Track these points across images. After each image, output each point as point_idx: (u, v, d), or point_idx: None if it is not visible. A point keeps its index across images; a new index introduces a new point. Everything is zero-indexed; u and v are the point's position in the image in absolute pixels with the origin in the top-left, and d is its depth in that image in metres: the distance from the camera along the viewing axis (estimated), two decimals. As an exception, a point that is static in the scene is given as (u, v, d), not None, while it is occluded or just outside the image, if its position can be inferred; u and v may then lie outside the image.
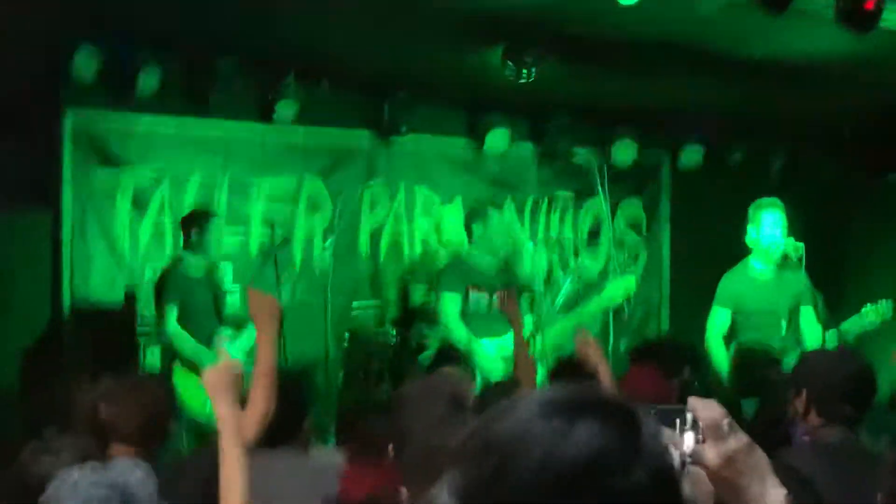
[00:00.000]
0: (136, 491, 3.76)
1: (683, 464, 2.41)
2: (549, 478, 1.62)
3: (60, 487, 3.74)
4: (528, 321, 9.54)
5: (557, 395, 1.73)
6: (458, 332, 9.88)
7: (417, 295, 11.25)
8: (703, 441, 2.42)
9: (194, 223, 10.17)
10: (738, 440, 2.43)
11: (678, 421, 2.42)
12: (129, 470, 3.82)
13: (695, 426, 2.42)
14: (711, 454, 2.41)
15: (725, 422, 2.42)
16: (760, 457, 2.46)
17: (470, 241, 10.44)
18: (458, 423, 3.99)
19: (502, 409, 1.72)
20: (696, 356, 8.74)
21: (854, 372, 5.57)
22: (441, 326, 10.20)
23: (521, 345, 6.71)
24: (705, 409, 2.44)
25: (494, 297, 7.09)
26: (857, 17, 8.53)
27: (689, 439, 2.42)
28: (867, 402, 5.56)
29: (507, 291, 6.76)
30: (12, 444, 5.27)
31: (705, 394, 6.52)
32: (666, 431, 2.39)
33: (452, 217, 11.78)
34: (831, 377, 5.53)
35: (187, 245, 10.24)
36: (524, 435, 1.65)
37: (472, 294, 7.25)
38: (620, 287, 10.45)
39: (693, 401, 2.45)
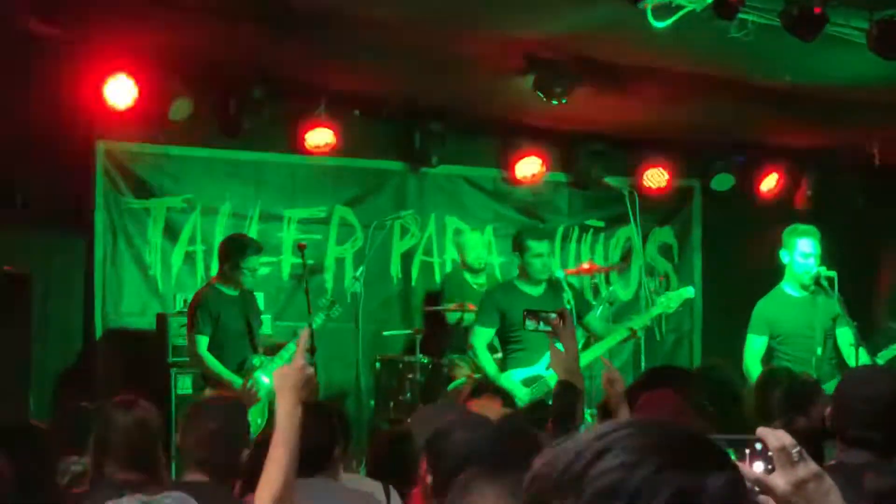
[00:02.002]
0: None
1: (756, 491, 2.44)
2: None
3: None
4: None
5: (658, 439, 1.73)
6: (487, 364, 9.94)
7: (452, 319, 11.24)
8: (773, 469, 2.43)
9: (231, 254, 10.02)
10: (808, 468, 2.45)
11: (746, 450, 2.45)
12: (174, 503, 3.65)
13: (763, 455, 2.44)
14: (783, 482, 2.43)
15: (795, 451, 2.44)
16: (830, 485, 2.47)
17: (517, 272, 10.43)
18: (497, 451, 3.99)
19: (605, 444, 1.72)
20: (713, 381, 8.54)
21: (871, 394, 5.08)
22: (472, 357, 10.25)
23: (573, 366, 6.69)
24: (776, 437, 2.45)
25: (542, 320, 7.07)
26: (889, 42, 8.52)
27: (758, 468, 2.45)
28: (893, 424, 5.01)
29: (561, 312, 6.72)
30: (44, 467, 5.30)
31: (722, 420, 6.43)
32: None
33: (479, 244, 11.75)
34: (852, 398, 5.11)
35: (221, 272, 10.10)
36: (655, 486, 1.66)
37: (529, 322, 7.22)
38: (677, 297, 10.41)
39: (762, 430, 2.48)
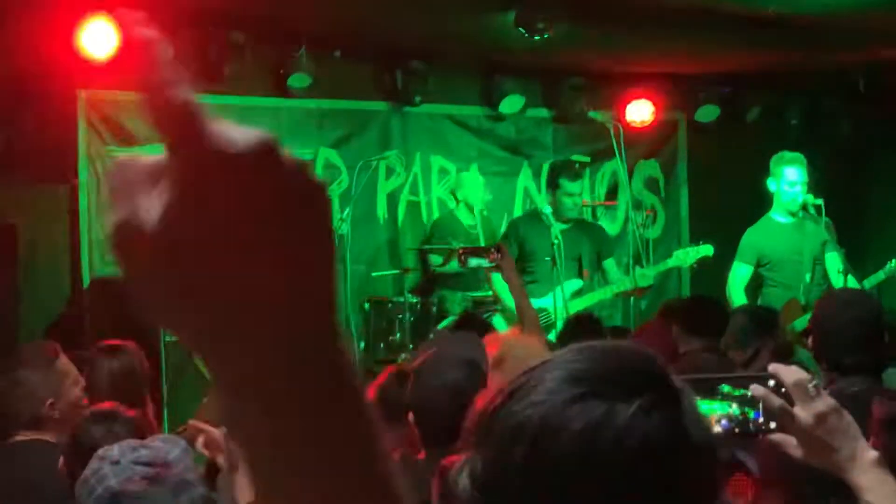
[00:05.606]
0: (176, 469, 3.66)
1: (771, 430, 2.40)
2: (589, 468, 1.52)
3: (102, 466, 3.62)
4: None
5: (587, 367, 1.58)
6: (502, 291, 9.96)
7: (436, 261, 11.20)
8: (792, 405, 2.40)
9: None
10: (826, 402, 2.42)
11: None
12: (168, 447, 3.72)
13: (777, 391, 2.41)
14: (804, 415, 2.40)
15: (812, 384, 2.41)
16: (849, 418, 2.44)
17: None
18: (475, 389, 3.98)
19: (524, 381, 1.59)
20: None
21: (858, 316, 5.09)
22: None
23: (522, 299, 6.71)
24: (790, 373, 2.42)
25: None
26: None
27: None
28: (879, 346, 5.08)
29: (498, 246, 6.72)
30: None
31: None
32: (760, 394, 2.39)
33: (471, 182, 11.71)
34: (834, 324, 5.12)
35: None
36: (560, 421, 1.52)
37: (471, 259, 7.25)
38: (695, 253, 10.42)
39: (775, 366, 2.44)
